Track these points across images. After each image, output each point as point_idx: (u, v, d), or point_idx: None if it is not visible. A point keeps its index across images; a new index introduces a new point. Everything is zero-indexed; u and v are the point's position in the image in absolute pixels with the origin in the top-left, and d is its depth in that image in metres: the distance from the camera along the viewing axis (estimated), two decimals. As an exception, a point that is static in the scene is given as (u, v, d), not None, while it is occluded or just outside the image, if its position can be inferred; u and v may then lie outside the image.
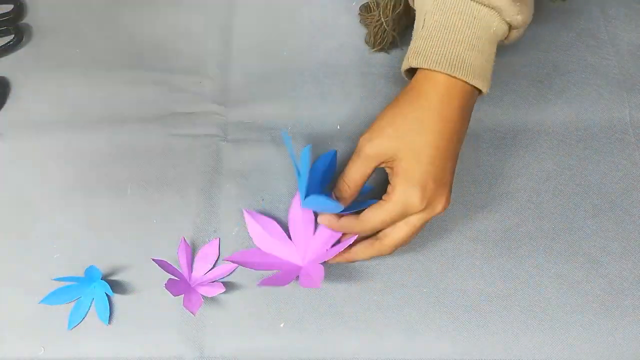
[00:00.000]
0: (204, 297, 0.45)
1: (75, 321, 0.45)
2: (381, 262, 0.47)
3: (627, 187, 0.50)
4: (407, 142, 0.41)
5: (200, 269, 0.47)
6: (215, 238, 0.48)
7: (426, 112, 0.41)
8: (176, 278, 0.45)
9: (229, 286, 0.46)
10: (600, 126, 0.52)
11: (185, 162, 0.51)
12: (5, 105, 0.54)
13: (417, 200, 0.40)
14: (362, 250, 0.44)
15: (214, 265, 0.47)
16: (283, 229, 0.47)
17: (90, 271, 0.45)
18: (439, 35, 0.42)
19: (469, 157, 0.51)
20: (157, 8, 0.58)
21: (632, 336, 0.45)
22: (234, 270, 0.47)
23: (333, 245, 0.45)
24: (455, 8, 0.42)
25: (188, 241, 0.48)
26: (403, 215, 0.41)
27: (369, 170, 0.42)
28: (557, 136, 0.52)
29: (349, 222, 0.43)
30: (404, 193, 0.40)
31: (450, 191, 0.42)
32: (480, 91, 0.43)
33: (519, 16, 0.42)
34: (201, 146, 0.52)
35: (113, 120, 0.53)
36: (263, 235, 0.47)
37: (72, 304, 0.46)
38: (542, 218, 0.49)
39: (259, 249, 0.47)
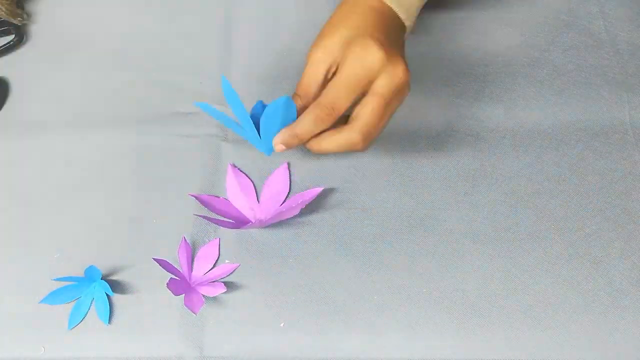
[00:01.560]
0: (204, 296, 0.45)
1: (75, 321, 0.45)
2: (381, 262, 0.47)
3: (627, 187, 0.50)
4: (349, 27, 0.40)
5: (201, 268, 0.47)
6: (215, 238, 0.48)
7: (357, 9, 0.42)
8: (177, 278, 0.45)
9: (229, 286, 0.46)
10: (600, 126, 0.52)
11: (185, 162, 0.51)
12: (5, 105, 0.54)
13: (374, 51, 0.38)
14: (330, 138, 0.40)
15: (214, 265, 0.47)
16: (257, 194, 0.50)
17: (90, 271, 0.45)
18: None
19: (468, 157, 0.51)
20: (157, 8, 0.58)
21: (632, 336, 0.45)
22: (234, 270, 0.47)
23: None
24: None
25: (188, 241, 0.48)
26: (365, 80, 0.39)
27: (318, 72, 0.40)
28: (556, 136, 0.52)
29: (306, 117, 0.39)
30: (359, 52, 0.38)
31: (405, 61, 0.40)
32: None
33: None
34: (201, 146, 0.52)
35: (113, 120, 0.53)
36: (236, 190, 0.49)
37: (72, 304, 0.46)
38: (542, 218, 0.49)
39: (227, 199, 0.49)
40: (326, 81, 0.40)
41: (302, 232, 0.48)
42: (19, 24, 0.56)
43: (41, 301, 0.45)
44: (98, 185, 0.50)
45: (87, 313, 0.46)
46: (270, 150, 0.43)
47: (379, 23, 0.41)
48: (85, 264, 0.46)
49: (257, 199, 0.49)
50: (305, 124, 0.39)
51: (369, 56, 0.38)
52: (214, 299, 0.46)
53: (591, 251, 0.48)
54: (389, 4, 0.43)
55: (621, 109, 0.53)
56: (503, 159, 0.51)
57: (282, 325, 0.45)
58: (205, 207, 0.49)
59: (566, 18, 0.57)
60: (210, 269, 0.47)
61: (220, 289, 0.45)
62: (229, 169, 0.50)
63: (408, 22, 0.44)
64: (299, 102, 0.41)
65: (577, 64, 0.55)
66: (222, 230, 0.48)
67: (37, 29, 0.58)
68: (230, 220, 0.48)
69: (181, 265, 0.47)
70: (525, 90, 0.54)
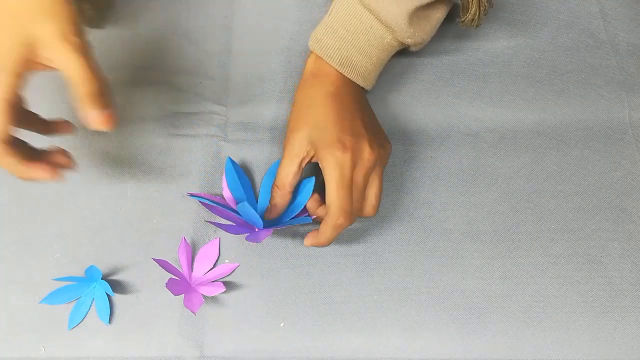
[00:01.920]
0: (204, 296, 0.45)
1: (75, 321, 0.45)
2: (381, 262, 0.47)
3: (627, 187, 0.50)
4: (313, 123, 0.44)
5: (201, 268, 0.47)
6: (216, 238, 0.48)
7: (316, 93, 0.46)
8: (176, 278, 0.45)
9: (229, 286, 0.46)
10: (600, 126, 0.52)
11: (185, 162, 0.51)
12: (5, 105, 0.54)
13: (345, 157, 0.42)
14: (322, 234, 0.43)
15: (214, 265, 0.47)
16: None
17: (90, 271, 0.45)
18: (337, 30, 0.46)
19: (469, 157, 0.51)
20: (157, 8, 0.58)
21: (632, 336, 0.45)
22: (234, 270, 0.47)
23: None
24: (357, 14, 0.46)
25: (188, 241, 0.48)
26: (348, 177, 0.43)
27: (294, 168, 0.44)
28: (556, 136, 0.52)
29: (326, 229, 0.43)
30: (333, 158, 0.42)
31: (373, 139, 0.44)
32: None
33: (409, 40, 0.46)
34: (201, 146, 0.52)
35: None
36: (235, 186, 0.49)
37: (73, 304, 0.46)
38: (542, 218, 0.49)
39: (223, 197, 0.49)
40: (300, 170, 0.45)
41: (302, 232, 0.48)
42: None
43: (41, 301, 0.45)
44: (98, 185, 0.50)
45: (87, 313, 0.46)
46: (261, 224, 0.46)
47: (338, 111, 0.45)
48: (86, 264, 0.46)
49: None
50: (330, 235, 0.43)
51: (340, 160, 0.42)
52: (214, 298, 0.46)
53: (591, 251, 0.48)
54: (347, 76, 0.46)
55: (621, 109, 0.53)
56: (503, 159, 0.51)
57: (282, 325, 0.45)
58: (206, 207, 0.49)
59: (566, 18, 0.57)
60: (210, 269, 0.47)
61: (219, 289, 0.45)
62: (227, 163, 0.50)
63: (368, 87, 0.48)
64: (278, 193, 0.45)
65: (577, 64, 0.55)
66: (222, 230, 0.48)
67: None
68: (235, 225, 0.48)
69: (181, 265, 0.47)
70: (525, 90, 0.54)
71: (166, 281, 0.43)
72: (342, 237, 0.48)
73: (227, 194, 0.49)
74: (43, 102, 0.52)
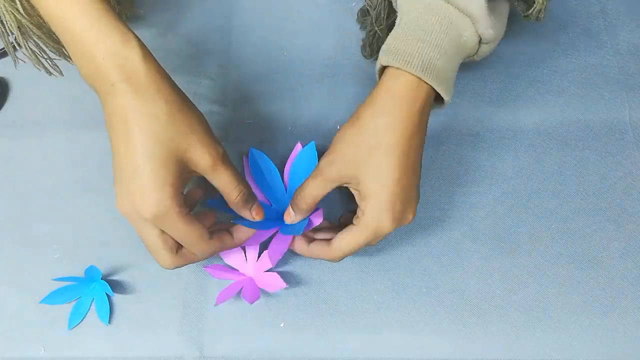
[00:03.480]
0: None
1: (75, 321, 0.45)
2: (381, 262, 0.47)
3: (627, 187, 0.50)
4: (372, 165, 0.40)
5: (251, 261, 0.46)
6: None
7: (389, 130, 0.40)
8: (232, 279, 0.45)
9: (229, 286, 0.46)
10: (600, 126, 0.52)
11: (185, 162, 0.51)
12: (5, 105, 0.54)
13: (388, 224, 0.40)
14: (315, 250, 0.44)
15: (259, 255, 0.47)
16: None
17: (90, 271, 0.45)
18: (413, 34, 0.41)
19: (468, 157, 0.51)
20: (157, 8, 0.58)
21: (632, 336, 0.45)
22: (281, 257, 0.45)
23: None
24: (433, 8, 0.41)
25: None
26: (374, 239, 0.41)
27: (327, 191, 0.42)
28: (556, 136, 0.52)
29: (319, 249, 0.43)
30: (375, 219, 0.40)
31: (416, 204, 0.42)
32: (440, 100, 0.43)
33: (491, 30, 0.41)
34: (201, 146, 0.52)
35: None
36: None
37: (72, 304, 0.46)
38: (542, 218, 0.49)
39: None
40: (325, 194, 0.42)
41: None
42: None
43: (41, 301, 0.45)
44: (98, 185, 0.50)
45: (87, 313, 0.46)
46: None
47: (403, 166, 0.40)
48: (85, 264, 0.46)
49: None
50: (323, 257, 0.43)
51: (383, 230, 0.40)
52: (213, 298, 0.46)
53: (591, 251, 0.48)
54: (430, 82, 0.40)
55: (621, 109, 0.53)
56: (503, 159, 0.51)
57: (282, 325, 0.45)
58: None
59: (566, 18, 0.57)
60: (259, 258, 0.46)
61: (280, 285, 0.44)
62: (245, 161, 0.49)
63: (447, 98, 0.42)
64: (303, 208, 0.43)
65: (578, 63, 0.55)
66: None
67: (37, 29, 0.58)
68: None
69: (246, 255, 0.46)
70: (525, 91, 0.54)
71: (241, 293, 0.44)
72: (342, 237, 0.48)
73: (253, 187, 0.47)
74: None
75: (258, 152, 0.49)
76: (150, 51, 0.38)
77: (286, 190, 0.48)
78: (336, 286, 0.47)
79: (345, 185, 0.42)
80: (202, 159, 0.37)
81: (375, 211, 0.40)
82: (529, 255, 0.48)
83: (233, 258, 0.46)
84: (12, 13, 0.40)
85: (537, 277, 0.47)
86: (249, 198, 0.42)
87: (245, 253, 0.46)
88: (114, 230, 0.49)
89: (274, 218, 0.46)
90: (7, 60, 0.56)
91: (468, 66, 0.55)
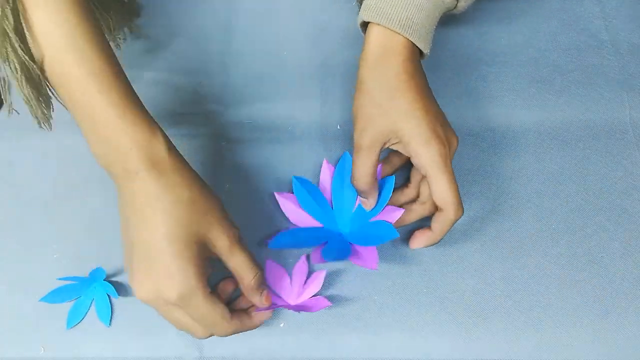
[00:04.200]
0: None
1: (74, 320, 0.45)
2: (381, 262, 0.47)
3: (627, 187, 0.50)
4: (396, 112, 0.42)
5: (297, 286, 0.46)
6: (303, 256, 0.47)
7: (393, 76, 0.42)
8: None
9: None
10: (600, 126, 0.52)
11: (185, 162, 0.51)
12: (5, 105, 0.54)
13: (440, 146, 0.41)
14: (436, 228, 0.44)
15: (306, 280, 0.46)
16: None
17: (95, 272, 0.45)
18: None
19: (469, 157, 0.51)
20: (157, 8, 0.58)
21: (632, 336, 0.45)
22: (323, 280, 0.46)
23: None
24: None
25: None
26: (451, 173, 0.42)
27: (375, 158, 0.43)
28: (557, 136, 0.52)
29: (435, 229, 0.43)
30: (427, 149, 0.41)
31: (453, 130, 0.44)
32: (422, 54, 0.45)
33: None
34: (201, 146, 0.52)
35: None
36: (296, 211, 0.48)
37: (72, 303, 0.46)
38: (542, 218, 0.49)
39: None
40: (379, 159, 0.43)
41: (302, 232, 0.48)
42: None
43: (41, 299, 0.45)
44: (98, 185, 0.50)
45: (86, 313, 0.46)
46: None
47: (422, 96, 0.43)
48: (85, 264, 0.46)
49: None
50: (445, 231, 0.44)
51: (443, 154, 0.41)
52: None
53: (592, 251, 0.48)
54: (410, 38, 0.43)
55: (621, 109, 0.53)
56: (503, 159, 0.51)
57: (282, 325, 0.45)
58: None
59: (566, 18, 0.57)
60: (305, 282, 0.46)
61: (324, 304, 0.44)
62: (277, 196, 0.49)
63: (426, 51, 0.45)
64: (365, 190, 0.44)
65: (577, 64, 0.55)
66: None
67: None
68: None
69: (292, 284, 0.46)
70: (525, 90, 0.54)
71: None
72: (342, 237, 0.48)
73: (301, 217, 0.48)
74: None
75: (301, 178, 0.48)
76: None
77: (332, 207, 0.48)
78: (336, 286, 0.47)
79: (386, 146, 0.43)
80: (220, 239, 0.39)
81: (424, 142, 0.41)
82: (529, 255, 0.48)
83: (278, 283, 0.46)
84: (18, 54, 0.37)
85: (537, 277, 0.47)
86: (263, 281, 0.42)
87: (290, 278, 0.46)
88: (114, 231, 0.48)
89: (324, 237, 0.46)
90: (7, 60, 0.56)
91: (468, 66, 0.55)
